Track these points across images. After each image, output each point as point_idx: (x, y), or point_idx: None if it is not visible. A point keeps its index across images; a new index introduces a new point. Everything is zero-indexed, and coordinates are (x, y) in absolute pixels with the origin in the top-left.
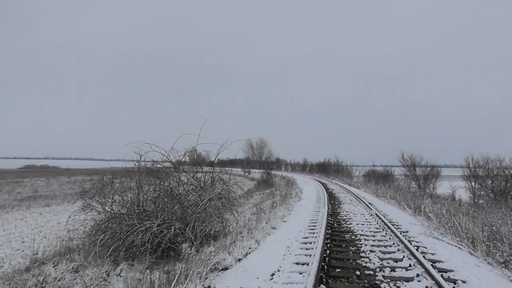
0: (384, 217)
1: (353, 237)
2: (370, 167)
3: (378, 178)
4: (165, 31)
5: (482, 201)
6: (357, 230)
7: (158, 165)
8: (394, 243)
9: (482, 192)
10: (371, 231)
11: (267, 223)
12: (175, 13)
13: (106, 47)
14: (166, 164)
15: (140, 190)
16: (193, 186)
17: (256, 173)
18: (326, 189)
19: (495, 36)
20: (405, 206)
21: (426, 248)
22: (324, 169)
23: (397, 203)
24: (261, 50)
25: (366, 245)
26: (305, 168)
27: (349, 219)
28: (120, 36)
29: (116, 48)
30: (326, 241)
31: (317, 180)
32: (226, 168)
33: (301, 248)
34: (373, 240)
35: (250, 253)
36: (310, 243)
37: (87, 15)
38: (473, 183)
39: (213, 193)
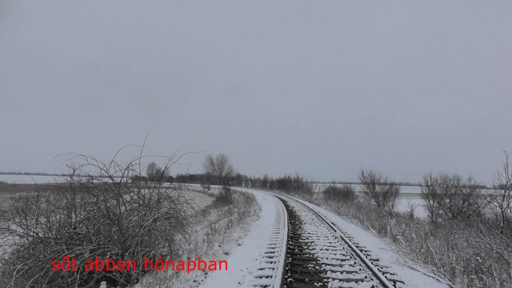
0: (350, 240)
1: (317, 267)
2: (330, 183)
3: (339, 195)
4: (128, 40)
5: (441, 220)
6: (322, 258)
7: (95, 181)
8: (366, 277)
9: (440, 211)
10: (337, 259)
11: (220, 246)
12: (141, 21)
13: (65, 56)
14: (105, 180)
15: (71, 209)
16: (137, 205)
17: (216, 189)
18: (286, 206)
19: (460, 56)
20: (369, 226)
21: (404, 283)
22: (284, 185)
23: (360, 223)
24: (225, 65)
25: (333, 279)
26: (265, 184)
27: (311, 242)
28: (81, 45)
29: (77, 56)
30: (286, 275)
31: (277, 197)
32: (181, 184)
33: (255, 286)
34: (341, 272)
35: None
36: (267, 277)
37: (41, 22)
38: (431, 202)
39: (158, 213)
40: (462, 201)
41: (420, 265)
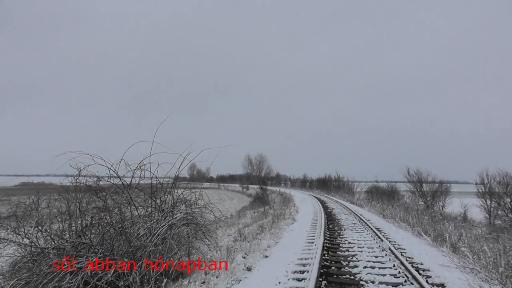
0: (402, 254)
1: None
2: (373, 182)
3: (383, 195)
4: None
5: (500, 222)
6: (366, 282)
7: (101, 182)
8: None
9: (499, 212)
10: (387, 284)
11: (244, 257)
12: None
13: (119, 60)
14: (115, 181)
15: (74, 214)
16: (152, 209)
17: (254, 189)
18: (325, 208)
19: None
20: (421, 232)
21: None
22: (324, 185)
23: (410, 227)
24: (264, 66)
25: None
26: (305, 184)
27: (352, 256)
28: (128, 52)
29: (123, 61)
30: None
31: (316, 197)
32: (221, 184)
33: None
34: None
35: None
36: None
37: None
38: (488, 202)
39: (173, 218)
40: None
41: None
